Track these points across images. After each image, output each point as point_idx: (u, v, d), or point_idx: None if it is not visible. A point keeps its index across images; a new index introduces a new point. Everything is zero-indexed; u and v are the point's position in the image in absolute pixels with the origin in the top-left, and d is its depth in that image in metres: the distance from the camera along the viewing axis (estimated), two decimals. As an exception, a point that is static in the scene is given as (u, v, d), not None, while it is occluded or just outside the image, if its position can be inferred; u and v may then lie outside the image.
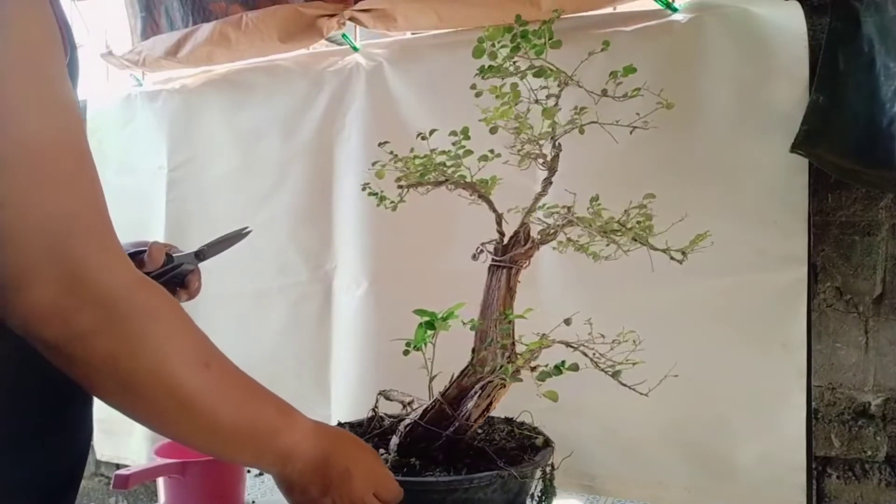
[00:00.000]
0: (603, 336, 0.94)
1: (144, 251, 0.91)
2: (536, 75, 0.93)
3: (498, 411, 1.10)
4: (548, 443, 1.05)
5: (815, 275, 1.23)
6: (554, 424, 1.11)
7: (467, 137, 0.98)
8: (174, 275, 0.94)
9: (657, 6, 1.23)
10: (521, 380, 0.94)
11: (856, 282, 1.22)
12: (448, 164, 0.99)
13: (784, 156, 1.11)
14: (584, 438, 1.25)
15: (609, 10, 1.27)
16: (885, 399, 1.22)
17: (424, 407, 1.01)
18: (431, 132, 0.98)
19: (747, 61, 1.17)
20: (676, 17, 1.22)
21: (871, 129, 1.07)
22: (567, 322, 0.94)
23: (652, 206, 0.96)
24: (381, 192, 1.05)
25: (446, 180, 1.00)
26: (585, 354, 0.92)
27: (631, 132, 0.95)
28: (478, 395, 0.96)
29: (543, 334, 0.94)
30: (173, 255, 0.96)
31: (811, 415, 1.17)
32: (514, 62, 0.94)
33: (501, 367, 0.94)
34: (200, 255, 0.97)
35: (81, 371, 0.57)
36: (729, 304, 1.19)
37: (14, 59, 0.53)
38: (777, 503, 1.17)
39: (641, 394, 0.91)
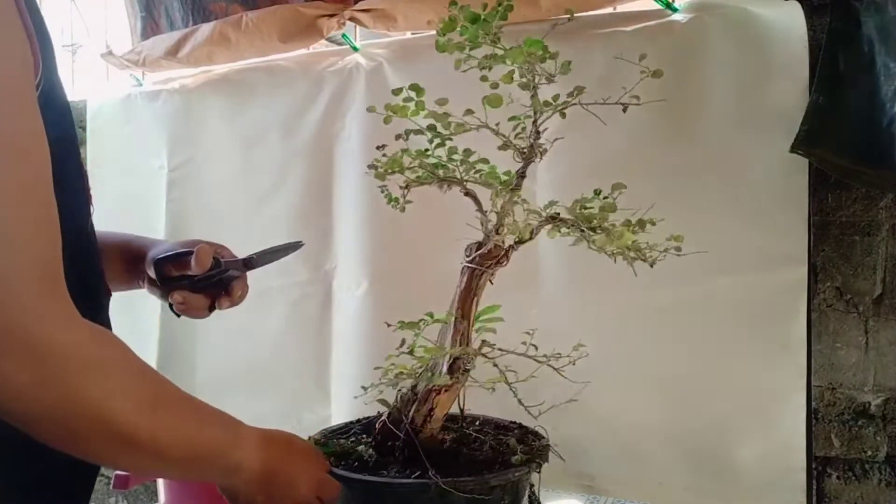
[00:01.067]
0: (559, 352, 0.92)
1: (191, 252, 0.89)
2: (485, 63, 0.90)
3: (499, 412, 1.09)
4: (529, 461, 0.94)
5: (815, 275, 1.23)
6: (554, 424, 1.10)
7: (452, 131, 0.96)
8: (220, 280, 0.92)
9: (657, 6, 1.23)
10: (450, 388, 0.92)
11: (856, 282, 1.22)
12: (441, 162, 0.98)
13: (784, 156, 1.11)
14: (583, 438, 1.25)
15: (609, 10, 1.27)
16: (885, 399, 1.22)
17: (389, 409, 0.99)
18: (408, 133, 0.97)
19: (747, 61, 1.17)
20: (676, 17, 1.22)
21: (871, 129, 1.07)
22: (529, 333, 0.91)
23: (652, 207, 0.95)
24: (388, 191, 1.05)
25: (442, 179, 0.98)
26: (539, 361, 0.90)
27: (624, 110, 0.93)
28: (416, 400, 0.93)
29: (483, 341, 0.93)
30: (221, 259, 0.93)
31: (811, 415, 1.17)
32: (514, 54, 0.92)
33: (432, 375, 0.92)
34: (249, 263, 0.95)
35: (23, 421, 0.56)
36: (729, 304, 1.19)
37: None
38: (777, 503, 1.17)
39: (576, 381, 0.86)
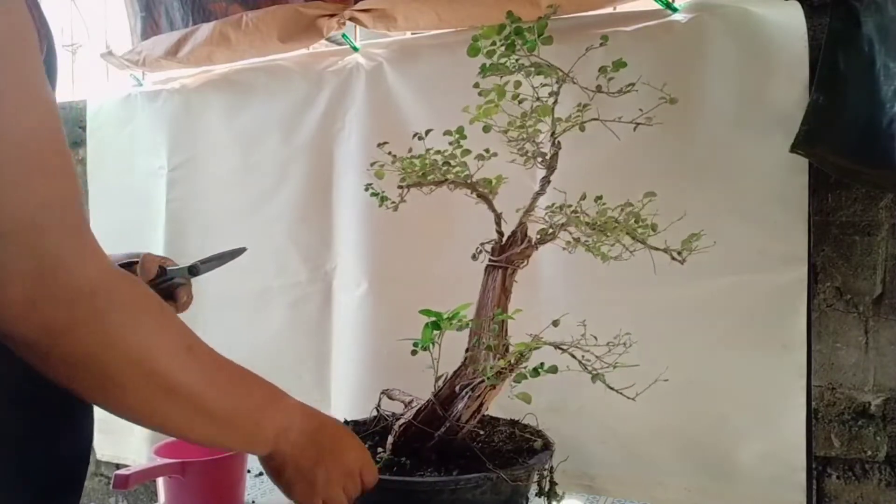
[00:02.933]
0: (595, 338, 0.93)
1: (136, 262, 0.91)
2: (529, 73, 0.92)
3: (500, 412, 1.11)
4: (547, 446, 1.04)
5: (815, 275, 1.23)
6: (555, 424, 1.11)
7: (463, 136, 0.98)
8: (164, 287, 0.94)
9: (657, 6, 1.23)
10: (501, 379, 0.93)
11: (856, 282, 1.22)
12: (443, 163, 0.99)
13: (784, 156, 1.11)
14: (584, 438, 1.25)
15: (609, 10, 1.27)
16: (885, 399, 1.22)
17: (418, 407, 1.01)
18: (427, 132, 0.98)
19: (747, 61, 1.17)
20: (676, 17, 1.22)
21: (871, 129, 1.07)
22: (555, 324, 0.93)
23: (652, 206, 0.96)
24: (383, 192, 1.05)
25: (446, 180, 0.99)
26: (574, 356, 0.91)
27: (635, 129, 0.94)
28: (468, 396, 0.95)
29: (535, 335, 0.94)
30: (167, 268, 0.96)
31: (811, 415, 1.17)
32: (517, 59, 0.93)
33: (483, 369, 0.93)
34: (194, 270, 0.97)
35: (60, 369, 0.55)
36: (729, 304, 1.19)
37: None
38: (777, 503, 1.17)
39: (628, 398, 0.90)
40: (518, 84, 0.95)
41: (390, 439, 1.00)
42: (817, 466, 1.26)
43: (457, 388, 0.96)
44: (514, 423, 1.12)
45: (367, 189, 1.07)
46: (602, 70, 0.93)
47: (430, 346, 1.01)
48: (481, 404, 0.95)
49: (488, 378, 0.91)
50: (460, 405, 0.95)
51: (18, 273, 0.51)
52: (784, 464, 1.16)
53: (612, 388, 0.90)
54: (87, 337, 0.54)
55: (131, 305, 0.57)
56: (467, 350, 0.98)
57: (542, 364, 0.92)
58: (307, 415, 0.76)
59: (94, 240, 0.56)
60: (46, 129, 0.54)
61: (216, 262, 1.01)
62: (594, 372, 0.90)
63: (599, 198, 0.98)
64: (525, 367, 0.93)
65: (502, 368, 0.91)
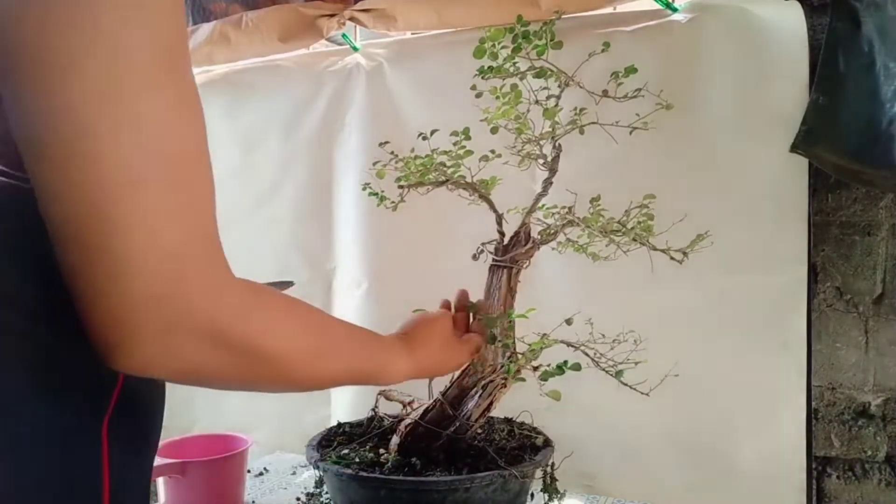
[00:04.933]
0: (604, 336, 0.94)
1: None
2: (537, 76, 0.93)
3: (498, 412, 1.11)
4: (548, 442, 1.05)
5: (815, 275, 1.23)
6: (554, 424, 1.11)
7: (468, 137, 0.98)
8: None
9: (657, 6, 1.23)
10: (524, 379, 0.94)
11: (856, 282, 1.22)
12: (448, 164, 0.99)
13: (784, 156, 1.11)
14: (584, 438, 1.25)
15: (609, 10, 1.27)
16: (885, 399, 1.22)
17: (425, 407, 1.01)
18: (433, 132, 0.98)
19: (747, 61, 1.17)
20: (676, 17, 1.22)
21: (871, 129, 1.07)
22: (568, 322, 0.94)
23: (652, 207, 0.96)
24: (382, 192, 1.05)
25: (447, 180, 1.00)
26: (587, 354, 0.92)
27: (630, 132, 0.95)
28: (479, 394, 0.96)
29: (545, 334, 0.94)
30: None
31: (811, 415, 1.17)
32: (515, 63, 0.94)
33: (503, 366, 0.94)
34: (285, 284, 0.96)
35: (206, 386, 0.56)
36: (729, 304, 1.19)
37: (148, 43, 0.46)
38: (777, 503, 1.17)
39: (643, 393, 0.91)
40: (514, 86, 0.95)
41: (397, 439, 1.00)
42: (817, 466, 1.26)
43: (468, 387, 0.97)
44: (509, 421, 1.12)
45: (364, 188, 1.07)
46: (614, 75, 0.93)
47: None
48: (491, 403, 0.96)
49: (510, 374, 0.92)
50: (471, 404, 0.96)
51: (159, 314, 0.47)
52: (784, 464, 1.16)
53: (626, 385, 0.91)
54: (229, 370, 0.54)
55: (268, 323, 0.57)
56: None
57: (565, 362, 0.95)
58: (400, 338, 0.85)
59: (225, 262, 0.53)
60: (202, 143, 0.50)
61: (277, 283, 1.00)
62: (616, 368, 0.91)
63: (597, 199, 0.98)
64: (549, 365, 0.94)
65: (521, 366, 0.92)
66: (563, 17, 1.09)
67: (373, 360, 0.75)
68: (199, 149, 0.49)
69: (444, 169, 0.99)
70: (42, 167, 0.45)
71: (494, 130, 0.99)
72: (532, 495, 1.08)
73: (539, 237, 0.99)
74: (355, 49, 1.52)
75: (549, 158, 0.99)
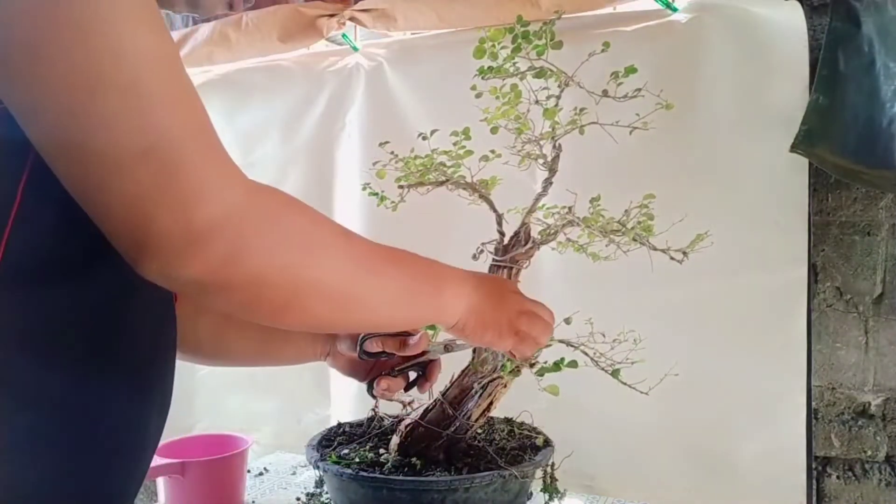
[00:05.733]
0: (603, 335, 0.94)
1: (408, 333, 0.89)
2: (537, 76, 0.93)
3: (498, 412, 1.11)
4: (548, 442, 1.05)
5: (815, 275, 1.23)
6: (554, 424, 1.11)
7: (468, 137, 0.98)
8: (422, 362, 0.93)
9: (657, 6, 1.23)
10: (519, 373, 0.94)
11: (856, 282, 1.22)
12: (448, 164, 0.99)
13: (784, 156, 1.11)
14: (584, 438, 1.25)
15: (609, 10, 1.27)
16: (885, 399, 1.22)
17: (425, 407, 1.01)
18: (433, 132, 0.98)
19: (747, 61, 1.17)
20: (676, 17, 1.22)
21: (871, 129, 1.07)
22: (567, 321, 0.94)
23: (652, 207, 0.96)
24: (382, 192, 1.05)
25: (447, 180, 1.00)
26: (586, 353, 0.92)
27: (630, 132, 0.95)
28: (479, 394, 0.96)
29: None
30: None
31: (811, 415, 1.17)
32: (514, 63, 0.94)
33: (502, 365, 0.94)
34: (449, 347, 0.94)
35: (235, 299, 0.54)
36: (729, 304, 1.19)
37: None
38: (777, 503, 1.17)
39: (642, 392, 0.91)
40: (514, 86, 0.95)
41: (397, 440, 1.00)
42: (817, 466, 1.26)
43: (468, 387, 0.97)
44: (509, 420, 1.12)
45: (364, 188, 1.07)
46: (614, 75, 0.93)
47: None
48: (491, 403, 0.96)
49: (506, 373, 0.92)
50: (471, 404, 0.96)
51: (165, 205, 0.48)
52: (784, 464, 1.16)
53: (625, 384, 0.91)
54: (250, 261, 0.52)
55: (281, 215, 0.55)
56: (475, 349, 0.98)
57: (562, 359, 0.94)
58: (467, 273, 0.77)
59: (229, 158, 0.53)
60: (174, 60, 0.52)
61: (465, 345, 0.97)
62: (613, 367, 0.91)
63: (597, 199, 0.98)
64: (546, 363, 0.94)
65: (519, 364, 0.92)
66: (563, 17, 1.10)
67: (431, 277, 0.71)
68: (167, 62, 0.51)
69: (444, 169, 0.99)
70: (14, 80, 0.47)
71: (494, 130, 0.99)
72: (532, 495, 1.08)
73: (539, 237, 0.99)
74: (355, 49, 1.52)
75: (549, 158, 0.99)
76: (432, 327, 1.01)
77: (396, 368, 0.92)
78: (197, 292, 0.53)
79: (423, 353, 0.91)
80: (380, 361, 0.92)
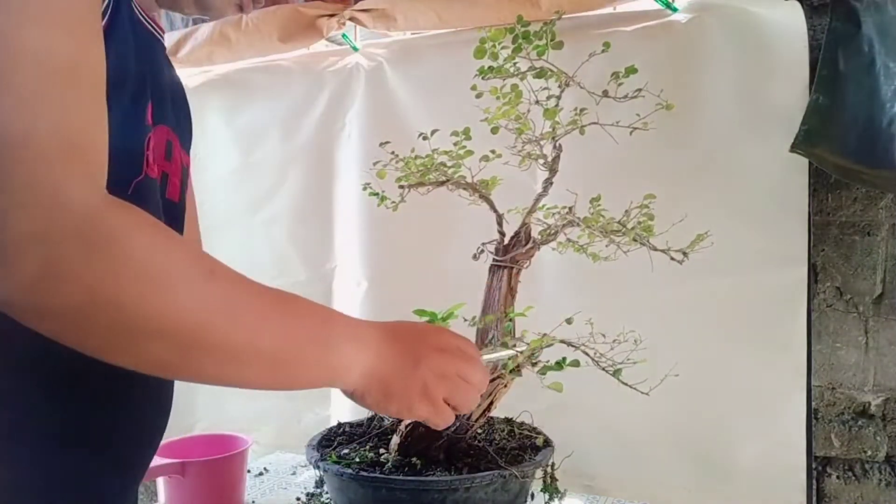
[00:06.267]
0: (604, 336, 0.94)
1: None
2: (538, 76, 0.93)
3: (498, 412, 1.11)
4: (548, 442, 1.05)
5: (815, 275, 1.23)
6: (554, 424, 1.11)
7: (468, 137, 0.98)
8: None
9: (657, 6, 1.23)
10: (520, 373, 0.94)
11: (856, 282, 1.22)
12: (449, 164, 0.99)
13: (784, 156, 1.11)
14: (584, 438, 1.25)
15: (609, 10, 1.27)
16: (885, 399, 1.22)
17: None
18: (433, 132, 0.98)
19: (747, 61, 1.17)
20: (676, 17, 1.22)
21: (871, 129, 1.07)
22: (569, 321, 0.94)
23: (652, 207, 0.96)
24: (382, 192, 1.05)
25: (447, 180, 1.00)
26: (587, 353, 0.92)
27: (630, 132, 0.95)
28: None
29: (545, 333, 0.95)
30: None
31: (811, 415, 1.17)
32: (515, 63, 0.94)
33: (503, 364, 0.94)
34: None
35: (56, 328, 0.48)
36: (729, 304, 1.19)
37: None
38: (777, 503, 1.17)
39: (643, 392, 0.91)
40: (515, 87, 0.95)
41: (397, 439, 1.00)
42: (817, 466, 1.26)
43: None
44: (509, 421, 1.12)
45: (364, 188, 1.07)
46: (614, 75, 0.94)
47: None
48: (491, 403, 0.96)
49: (509, 371, 0.92)
50: None
51: (14, 206, 0.44)
52: (784, 464, 1.16)
53: (625, 384, 0.91)
54: (86, 277, 0.46)
55: (129, 233, 0.48)
56: None
57: (564, 358, 0.94)
58: (379, 331, 0.65)
59: (92, 178, 0.48)
60: (75, 59, 0.49)
61: (494, 359, 0.94)
62: (615, 367, 0.91)
63: (597, 199, 0.98)
64: (548, 362, 0.94)
65: (520, 364, 0.92)
66: (564, 17, 1.10)
67: (321, 335, 0.59)
68: (67, 56, 0.48)
69: (445, 169, 0.99)
70: None
71: (495, 130, 0.99)
72: (532, 495, 1.08)
73: (539, 237, 0.99)
74: (355, 49, 1.52)
75: (550, 158, 0.99)
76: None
77: None
78: (8, 312, 0.47)
79: None
80: None
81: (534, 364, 0.94)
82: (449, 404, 0.69)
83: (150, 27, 0.70)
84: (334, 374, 0.62)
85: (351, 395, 0.65)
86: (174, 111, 0.76)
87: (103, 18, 0.55)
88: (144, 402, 0.65)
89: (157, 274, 0.48)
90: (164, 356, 0.51)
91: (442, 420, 0.69)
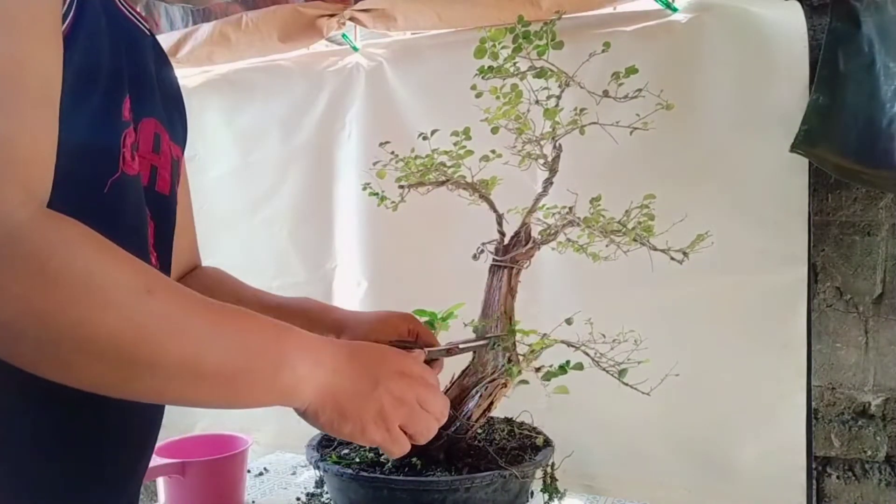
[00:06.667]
0: (604, 336, 0.94)
1: (416, 344, 0.86)
2: (538, 76, 0.93)
3: (498, 412, 1.11)
4: (548, 442, 1.05)
5: (815, 275, 1.23)
6: (554, 424, 1.11)
7: (468, 137, 0.98)
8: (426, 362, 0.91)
9: (657, 6, 1.23)
10: (526, 382, 0.95)
11: (856, 282, 1.22)
12: (449, 164, 0.99)
13: (784, 156, 1.11)
14: (584, 438, 1.25)
15: (609, 10, 1.27)
16: (885, 399, 1.22)
17: None
18: (433, 132, 0.98)
19: (747, 61, 1.17)
20: (676, 17, 1.22)
21: (871, 129, 1.08)
22: (569, 322, 0.94)
23: (652, 207, 0.96)
24: (382, 192, 1.05)
25: (447, 180, 1.00)
26: (587, 354, 0.92)
27: (630, 132, 0.95)
28: (479, 394, 0.96)
29: (545, 334, 0.94)
30: (428, 349, 0.92)
31: (811, 415, 1.17)
32: (515, 63, 0.94)
33: (503, 367, 0.94)
34: (451, 350, 0.93)
35: (1, 341, 0.47)
36: (729, 304, 1.19)
37: None
38: (777, 503, 1.17)
39: (643, 393, 0.91)
40: (515, 87, 0.95)
41: None
42: (817, 466, 1.26)
43: (468, 387, 0.97)
44: (509, 420, 1.12)
45: (364, 188, 1.07)
46: (614, 75, 0.93)
47: None
48: (491, 403, 0.96)
49: (511, 374, 0.92)
50: (471, 404, 0.96)
51: None
52: (784, 464, 1.16)
53: (627, 385, 0.91)
54: (18, 291, 0.45)
55: (65, 246, 0.47)
56: (475, 351, 0.98)
57: (567, 361, 0.94)
58: (335, 348, 0.62)
59: (29, 186, 0.47)
60: (20, 61, 0.48)
61: (471, 348, 0.97)
62: (619, 368, 0.91)
63: (597, 199, 0.98)
64: (552, 366, 0.94)
65: (522, 369, 0.92)
66: (564, 17, 1.10)
67: (271, 352, 0.57)
68: (17, 58, 0.48)
69: (445, 169, 0.99)
70: None
71: (495, 130, 0.99)
72: (532, 495, 1.08)
73: (539, 237, 0.99)
74: (355, 49, 1.52)
75: (550, 158, 0.99)
76: (433, 326, 1.02)
77: None
78: None
79: (432, 360, 0.91)
80: None
81: (537, 369, 0.94)
82: (406, 432, 0.66)
83: (134, 20, 0.70)
84: (285, 391, 0.58)
85: (304, 413, 0.62)
86: (164, 103, 0.75)
87: (66, 18, 0.54)
88: (131, 408, 0.63)
89: (91, 289, 0.47)
90: (99, 373, 0.49)
91: (397, 448, 0.66)
